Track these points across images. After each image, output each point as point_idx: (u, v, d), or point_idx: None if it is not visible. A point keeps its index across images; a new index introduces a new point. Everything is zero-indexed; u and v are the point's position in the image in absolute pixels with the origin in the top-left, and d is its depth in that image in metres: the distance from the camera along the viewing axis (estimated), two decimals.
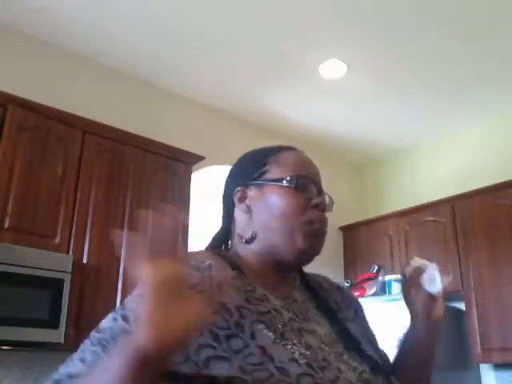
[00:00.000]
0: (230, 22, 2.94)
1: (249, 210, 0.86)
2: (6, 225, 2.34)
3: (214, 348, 0.66)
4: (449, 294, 0.93)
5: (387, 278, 3.58)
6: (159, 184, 2.95)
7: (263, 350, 0.67)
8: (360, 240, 4.23)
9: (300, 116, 3.96)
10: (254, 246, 0.85)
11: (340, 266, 4.29)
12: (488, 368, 3.47)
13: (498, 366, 3.41)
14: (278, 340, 0.69)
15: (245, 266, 0.82)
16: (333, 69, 3.33)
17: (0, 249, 2.23)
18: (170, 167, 3.04)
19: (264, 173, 0.87)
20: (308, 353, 0.70)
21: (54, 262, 2.37)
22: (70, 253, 2.49)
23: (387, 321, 3.27)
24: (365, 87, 3.56)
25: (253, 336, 0.68)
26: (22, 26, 2.97)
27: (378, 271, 3.71)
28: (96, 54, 3.24)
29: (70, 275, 2.40)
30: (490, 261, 3.31)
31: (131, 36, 3.08)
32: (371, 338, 0.92)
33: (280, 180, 0.85)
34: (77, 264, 2.47)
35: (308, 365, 0.68)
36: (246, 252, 0.85)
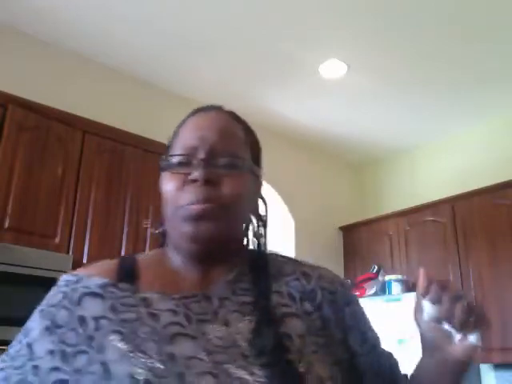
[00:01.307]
0: (230, 22, 2.94)
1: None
2: (6, 225, 2.34)
3: (60, 370, 0.64)
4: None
5: (387, 277, 3.58)
6: (159, 184, 2.95)
7: (105, 366, 0.62)
8: (360, 240, 4.23)
9: (300, 116, 3.96)
10: (167, 241, 0.79)
11: (340, 266, 4.29)
12: (488, 368, 3.47)
13: (498, 366, 3.41)
14: (129, 352, 0.62)
15: (145, 266, 0.74)
16: (333, 69, 3.33)
17: (0, 249, 2.23)
18: None
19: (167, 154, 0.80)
20: (161, 366, 0.61)
21: (53, 262, 2.37)
22: (70, 253, 2.50)
23: (387, 321, 3.27)
24: (365, 87, 3.56)
25: (101, 350, 0.64)
26: (22, 25, 2.97)
27: (378, 271, 3.71)
28: (96, 54, 3.24)
29: None
30: (490, 261, 3.32)
31: (131, 36, 3.08)
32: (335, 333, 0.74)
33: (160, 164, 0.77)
34: (77, 264, 2.46)
35: (147, 382, 0.60)
36: (165, 248, 0.79)
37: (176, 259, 0.75)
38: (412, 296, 3.26)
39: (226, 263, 0.75)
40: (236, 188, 0.72)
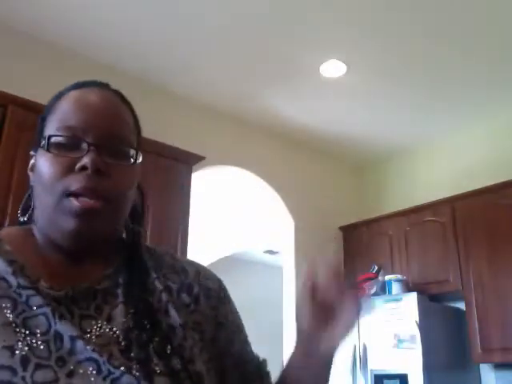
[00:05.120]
0: (230, 22, 2.94)
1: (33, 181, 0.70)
2: (6, 225, 2.34)
3: None
4: None
5: (387, 277, 3.58)
6: (159, 184, 2.95)
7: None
8: (360, 240, 4.23)
9: (300, 116, 3.96)
10: (35, 225, 0.71)
11: (340, 266, 4.29)
12: (488, 368, 3.47)
13: (498, 366, 3.41)
14: (13, 324, 0.58)
15: (28, 251, 0.68)
16: (333, 69, 3.33)
17: None
18: (170, 167, 3.04)
19: (43, 131, 0.70)
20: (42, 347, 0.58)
21: None
22: None
23: (387, 321, 3.27)
24: (365, 87, 3.56)
25: None
26: (22, 26, 2.97)
27: (378, 271, 3.71)
28: (96, 54, 3.23)
29: None
30: (490, 261, 3.31)
31: (131, 36, 3.08)
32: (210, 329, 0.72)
33: (41, 141, 0.67)
34: None
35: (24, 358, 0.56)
36: (35, 232, 0.71)
37: (47, 250, 0.68)
38: (412, 296, 3.26)
39: (103, 257, 0.70)
40: (127, 182, 0.68)
